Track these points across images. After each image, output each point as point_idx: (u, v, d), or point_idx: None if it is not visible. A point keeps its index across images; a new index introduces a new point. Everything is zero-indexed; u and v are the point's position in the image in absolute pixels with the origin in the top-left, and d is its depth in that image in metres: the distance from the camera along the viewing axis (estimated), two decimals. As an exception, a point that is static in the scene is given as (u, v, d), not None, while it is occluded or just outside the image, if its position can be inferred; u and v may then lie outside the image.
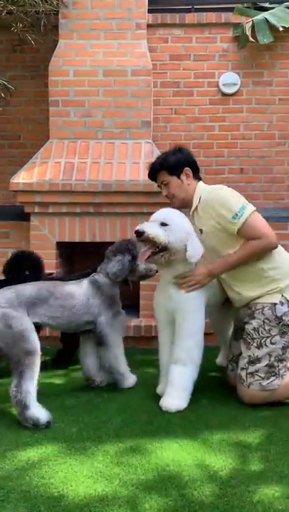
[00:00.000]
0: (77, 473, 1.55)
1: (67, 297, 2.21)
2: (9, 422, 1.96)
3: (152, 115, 3.65)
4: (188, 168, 2.30)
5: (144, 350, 3.08)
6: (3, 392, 2.17)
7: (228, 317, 2.59)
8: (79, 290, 2.27)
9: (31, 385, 1.94)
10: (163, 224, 2.08)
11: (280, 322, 2.14)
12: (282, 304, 2.15)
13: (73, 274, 3.02)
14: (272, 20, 3.87)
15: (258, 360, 2.12)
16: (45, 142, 3.53)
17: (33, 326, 2.05)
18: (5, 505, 1.37)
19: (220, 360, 2.76)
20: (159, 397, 2.17)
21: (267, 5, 4.16)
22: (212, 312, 2.46)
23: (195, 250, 2.10)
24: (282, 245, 2.27)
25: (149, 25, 3.82)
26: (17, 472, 1.57)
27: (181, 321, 2.13)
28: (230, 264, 2.17)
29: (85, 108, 3.53)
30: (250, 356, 2.14)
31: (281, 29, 3.86)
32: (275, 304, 2.15)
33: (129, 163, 3.37)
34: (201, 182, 2.34)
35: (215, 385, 2.45)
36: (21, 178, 3.27)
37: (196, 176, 2.34)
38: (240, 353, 2.22)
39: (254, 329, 2.16)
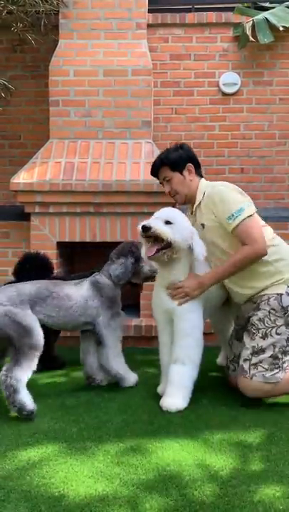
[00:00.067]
0: (78, 473, 1.55)
1: (65, 298, 2.23)
2: (10, 422, 1.96)
3: (153, 115, 3.65)
4: (190, 164, 2.31)
5: (145, 350, 3.08)
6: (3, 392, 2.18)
7: (229, 316, 2.59)
8: (78, 291, 2.29)
9: (24, 375, 1.99)
10: (167, 222, 2.08)
11: (285, 313, 2.13)
12: (288, 294, 2.15)
13: (74, 274, 3.02)
14: (273, 20, 3.87)
15: (262, 350, 2.11)
16: (46, 142, 3.53)
17: (37, 322, 2.12)
18: (5, 505, 1.37)
19: (220, 360, 2.76)
20: (159, 397, 2.17)
21: (267, 4, 4.16)
22: (212, 312, 2.46)
23: (201, 249, 2.11)
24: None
25: (149, 25, 3.82)
26: (18, 472, 1.57)
27: (178, 321, 2.14)
28: (219, 274, 2.17)
29: (86, 108, 3.53)
30: (254, 347, 2.13)
31: (281, 29, 3.85)
32: (281, 294, 2.15)
33: (130, 163, 3.36)
34: (203, 179, 2.35)
35: (215, 385, 2.45)
36: (22, 178, 3.27)
37: (198, 172, 2.34)
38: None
39: (259, 320, 2.15)
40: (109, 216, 3.31)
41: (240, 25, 3.95)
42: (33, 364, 2.04)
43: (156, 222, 2.07)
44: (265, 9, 4.08)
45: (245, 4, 4.18)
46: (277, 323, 2.13)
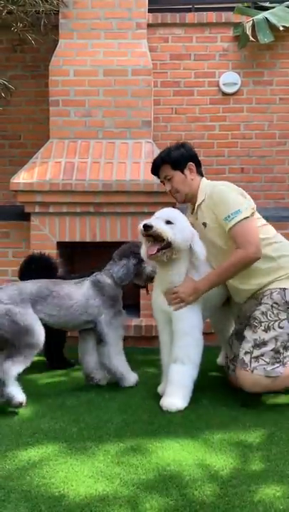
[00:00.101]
0: (78, 473, 1.55)
1: (65, 297, 2.25)
2: (10, 422, 1.96)
3: (153, 115, 3.64)
4: (191, 163, 2.31)
5: (145, 350, 3.08)
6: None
7: (229, 316, 2.59)
8: (79, 291, 2.30)
9: (14, 369, 2.02)
10: (168, 222, 2.08)
11: (288, 307, 2.13)
12: None
13: (74, 274, 3.02)
14: (273, 20, 3.87)
15: (264, 343, 2.09)
16: (46, 142, 3.53)
17: (38, 321, 2.13)
18: (6, 504, 1.37)
19: (220, 359, 2.76)
20: (160, 397, 2.17)
21: (267, 4, 4.16)
22: (213, 311, 2.45)
23: (201, 250, 2.11)
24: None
25: (149, 25, 3.82)
26: (18, 472, 1.57)
27: (177, 320, 2.14)
28: (213, 280, 2.16)
29: (86, 108, 3.52)
30: (255, 340, 2.11)
31: (281, 28, 3.85)
32: (285, 288, 2.15)
33: (130, 163, 3.36)
34: (204, 178, 2.35)
35: (216, 385, 2.45)
36: (22, 178, 3.27)
37: (199, 171, 2.34)
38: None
39: (262, 313, 2.14)
40: (109, 216, 3.31)
41: (240, 25, 3.95)
42: (27, 361, 2.06)
43: (157, 221, 2.07)
44: (265, 9, 4.08)
45: (245, 4, 4.19)
46: (280, 317, 2.12)
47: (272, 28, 3.87)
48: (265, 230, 2.26)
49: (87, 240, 3.34)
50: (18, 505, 1.37)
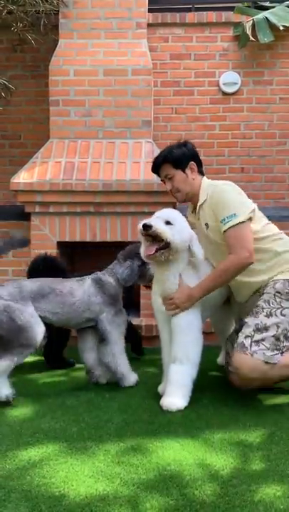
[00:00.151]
0: (78, 473, 1.55)
1: (68, 294, 2.27)
2: (10, 422, 1.96)
3: (153, 115, 3.64)
4: (193, 162, 2.30)
5: (145, 350, 3.07)
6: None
7: (230, 316, 2.59)
8: (80, 288, 2.31)
9: (5, 365, 2.04)
10: (168, 222, 2.08)
11: None
12: None
13: (75, 273, 3.02)
14: (273, 20, 3.87)
15: (266, 328, 2.08)
16: (46, 142, 3.53)
17: (38, 320, 2.14)
18: (6, 504, 1.37)
19: (221, 359, 2.76)
20: (160, 397, 2.17)
21: (267, 4, 4.16)
22: (213, 311, 2.45)
23: (199, 251, 2.12)
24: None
25: (149, 25, 3.82)
26: (18, 472, 1.56)
27: (175, 320, 2.14)
28: (207, 286, 2.15)
29: (86, 108, 3.53)
30: (257, 324, 2.09)
31: (282, 28, 3.85)
32: (288, 279, 2.17)
33: (130, 163, 3.36)
34: (205, 177, 2.35)
35: (216, 385, 2.45)
36: (22, 177, 3.27)
37: (200, 171, 2.34)
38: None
39: (264, 301, 2.14)
40: (109, 216, 3.31)
41: (240, 24, 3.95)
42: (17, 358, 2.08)
43: (156, 221, 2.07)
44: (266, 8, 4.08)
45: (246, 4, 4.19)
46: (283, 305, 2.12)
47: (273, 27, 3.87)
48: (269, 228, 2.28)
49: (88, 239, 3.34)
50: (18, 504, 1.37)
